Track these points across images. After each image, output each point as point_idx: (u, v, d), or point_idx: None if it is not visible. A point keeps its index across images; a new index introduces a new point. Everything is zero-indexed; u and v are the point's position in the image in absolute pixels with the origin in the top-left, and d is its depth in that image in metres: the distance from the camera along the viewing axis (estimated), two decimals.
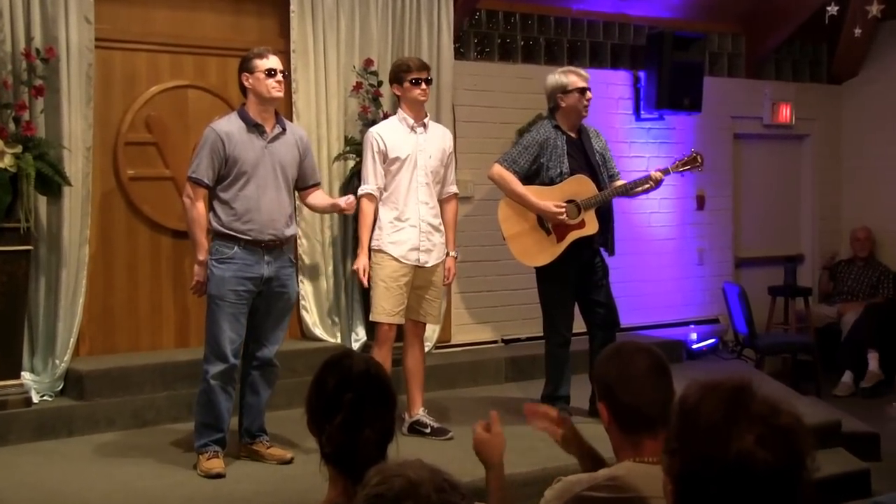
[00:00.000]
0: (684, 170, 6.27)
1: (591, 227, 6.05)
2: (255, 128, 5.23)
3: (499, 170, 6.08)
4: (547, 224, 6.04)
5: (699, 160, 6.24)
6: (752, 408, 1.82)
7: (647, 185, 6.14)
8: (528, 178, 6.08)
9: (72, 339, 6.05)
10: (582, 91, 6.07)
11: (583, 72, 6.18)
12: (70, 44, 5.95)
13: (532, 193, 6.03)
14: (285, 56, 6.79)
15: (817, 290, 9.71)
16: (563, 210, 5.97)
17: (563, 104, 6.09)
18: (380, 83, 6.89)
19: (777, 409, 1.83)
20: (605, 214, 6.14)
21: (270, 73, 5.21)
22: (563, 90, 6.08)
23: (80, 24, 5.99)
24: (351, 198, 5.57)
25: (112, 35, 6.35)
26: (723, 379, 1.90)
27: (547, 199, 6.00)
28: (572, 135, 6.13)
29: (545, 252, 6.06)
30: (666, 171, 6.19)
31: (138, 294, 6.55)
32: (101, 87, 6.28)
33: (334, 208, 5.66)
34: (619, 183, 6.17)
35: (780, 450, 1.78)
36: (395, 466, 1.87)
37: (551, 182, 6.02)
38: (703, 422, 1.84)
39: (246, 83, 5.25)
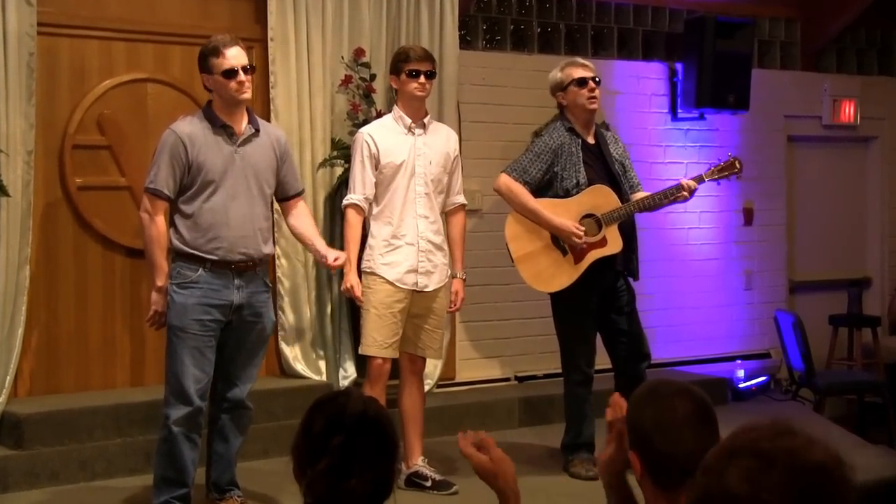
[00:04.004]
0: (721, 177, 6.25)
1: (614, 245, 6.02)
2: (222, 129, 5.19)
3: (506, 181, 6.05)
4: (563, 243, 6.01)
5: (738, 166, 6.23)
6: (752, 441, 1.78)
7: (678, 196, 6.11)
8: (540, 189, 6.05)
9: (8, 377, 6.01)
10: (581, 82, 6.05)
11: (584, 61, 6.19)
12: (7, 29, 5.93)
13: (545, 207, 6.00)
14: (262, 45, 6.82)
15: (887, 319, 9.65)
16: (583, 231, 5.93)
17: (565, 102, 6.12)
18: (373, 77, 6.89)
19: (793, 444, 1.78)
20: (628, 232, 6.12)
21: (229, 74, 5.14)
22: (561, 86, 6.11)
23: (18, 5, 5.97)
24: (341, 256, 5.50)
25: (58, 19, 6.34)
26: (761, 420, 1.87)
27: (562, 213, 5.97)
28: (588, 139, 6.12)
29: (561, 275, 6.03)
30: (700, 180, 6.17)
31: (88, 324, 6.51)
32: (44, 80, 6.26)
33: (316, 256, 5.66)
34: (645, 194, 6.15)
35: (780, 491, 1.73)
36: None
37: (566, 194, 6.00)
38: (708, 455, 1.83)
39: (207, 84, 5.24)
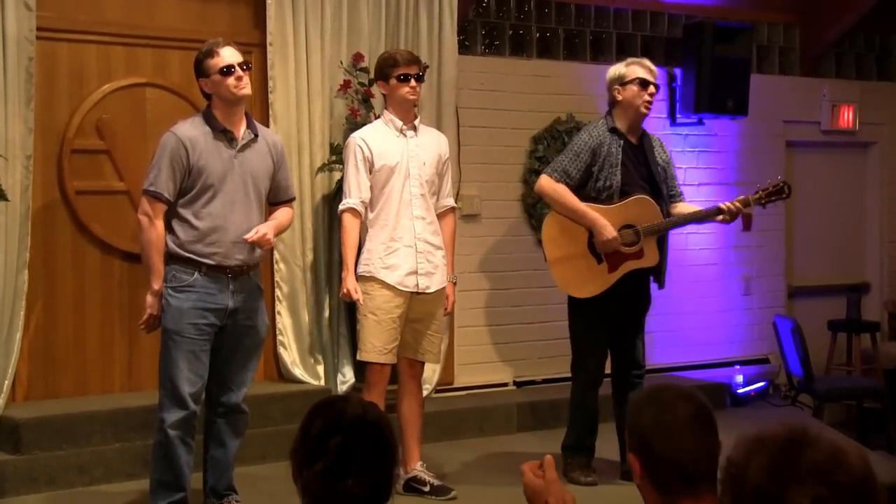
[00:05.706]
0: (768, 202, 6.16)
1: (651, 258, 6.00)
2: (222, 133, 5.19)
3: (549, 182, 5.98)
4: (599, 250, 5.97)
5: (786, 191, 6.12)
6: (806, 463, 1.76)
7: (723, 218, 6.04)
8: (576, 188, 6.01)
9: (6, 382, 6.01)
10: (644, 84, 6.01)
11: (650, 65, 6.14)
12: (6, 34, 5.93)
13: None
14: (261, 49, 6.81)
15: (886, 324, 9.64)
16: (618, 238, 5.89)
17: (620, 97, 6.04)
18: (371, 81, 6.87)
19: (839, 461, 1.77)
20: (659, 241, 6.09)
21: (226, 71, 5.15)
22: (621, 81, 6.04)
23: (18, 10, 5.97)
24: (258, 231, 5.20)
25: (57, 24, 6.34)
26: (774, 429, 1.84)
27: None
28: (632, 139, 6.08)
29: (594, 282, 5.97)
30: (746, 203, 6.03)
31: (86, 329, 6.50)
32: (43, 84, 6.25)
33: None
34: (692, 210, 6.12)
35: None
36: None
37: (598, 195, 5.94)
38: (750, 484, 1.78)
39: (206, 89, 5.23)
